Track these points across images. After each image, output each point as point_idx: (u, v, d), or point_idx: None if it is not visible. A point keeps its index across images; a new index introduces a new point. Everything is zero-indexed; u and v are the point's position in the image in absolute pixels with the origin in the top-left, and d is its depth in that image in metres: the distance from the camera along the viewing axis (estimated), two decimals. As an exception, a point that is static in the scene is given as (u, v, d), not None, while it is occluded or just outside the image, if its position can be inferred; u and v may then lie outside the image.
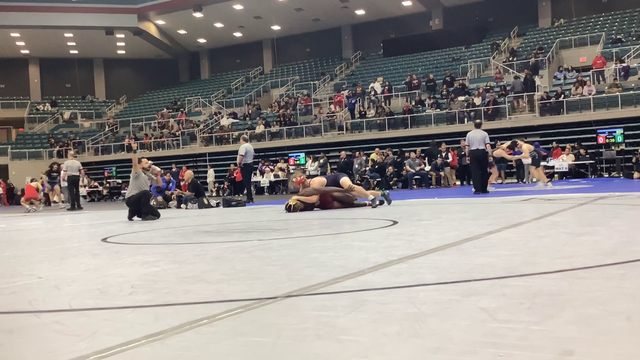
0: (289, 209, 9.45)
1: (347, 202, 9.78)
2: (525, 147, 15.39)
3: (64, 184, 25.58)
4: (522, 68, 26.98)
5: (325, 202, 9.66)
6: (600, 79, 24.83)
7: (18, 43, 40.72)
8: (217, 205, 14.48)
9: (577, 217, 6.22)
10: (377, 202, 9.48)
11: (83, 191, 30.17)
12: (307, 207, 9.59)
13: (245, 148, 15.99)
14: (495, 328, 1.95)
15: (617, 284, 2.62)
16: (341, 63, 37.78)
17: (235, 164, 21.03)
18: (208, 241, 5.60)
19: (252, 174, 19.90)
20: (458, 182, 22.09)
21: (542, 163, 20.99)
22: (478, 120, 15.05)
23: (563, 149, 21.52)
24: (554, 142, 22.00)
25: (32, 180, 20.98)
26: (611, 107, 22.24)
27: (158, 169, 14.42)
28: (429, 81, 28.78)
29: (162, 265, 3.92)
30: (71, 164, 18.15)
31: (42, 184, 22.28)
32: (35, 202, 19.87)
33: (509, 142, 16.19)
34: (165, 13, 38.02)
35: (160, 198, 15.73)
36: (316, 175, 23.36)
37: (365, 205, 9.72)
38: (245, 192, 17.22)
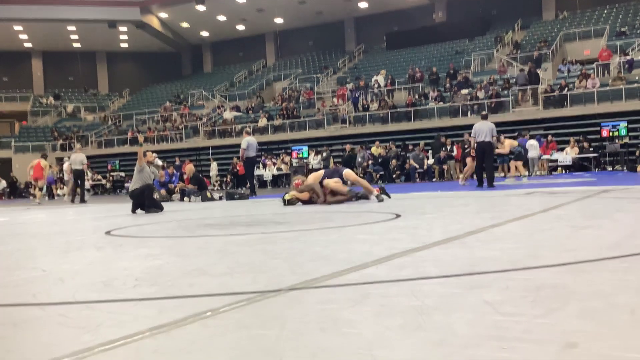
0: (285, 202, 9.71)
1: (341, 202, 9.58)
2: (507, 143, 15.27)
3: (68, 176, 25.76)
4: (525, 61, 26.89)
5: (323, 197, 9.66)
6: (605, 72, 24.75)
7: (21, 36, 40.73)
8: (220, 198, 14.50)
9: (581, 211, 6.21)
10: (382, 197, 9.38)
11: (87, 184, 30.33)
12: (305, 202, 9.67)
13: (248, 141, 15.98)
14: (499, 321, 1.95)
15: (621, 277, 2.61)
16: (344, 56, 37.70)
17: (239, 158, 21.07)
18: (211, 234, 5.60)
19: (255, 168, 19.91)
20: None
21: (545, 156, 21.02)
22: (484, 112, 14.86)
23: (567, 142, 21.49)
24: (549, 136, 21.93)
25: (43, 156, 20.77)
26: (615, 100, 22.17)
27: (160, 162, 14.42)
28: (432, 74, 28.71)
29: (166, 258, 3.93)
30: (74, 158, 18.17)
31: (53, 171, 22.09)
32: (38, 194, 19.88)
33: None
34: (168, 6, 37.96)
35: (163, 191, 15.75)
36: (319, 169, 23.38)
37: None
38: (248, 185, 17.23)
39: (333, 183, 9.51)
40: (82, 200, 17.92)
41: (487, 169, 13.32)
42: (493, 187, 12.65)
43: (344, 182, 9.83)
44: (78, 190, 18.45)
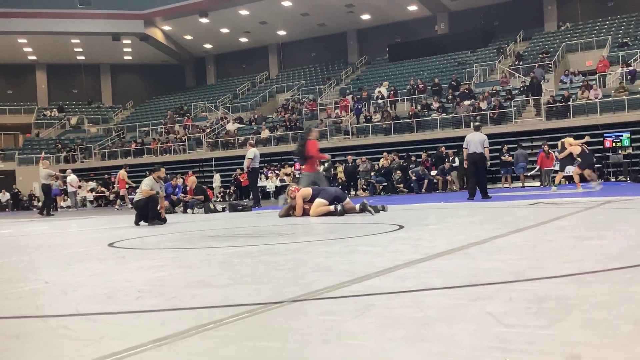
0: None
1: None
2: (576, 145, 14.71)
3: (71, 188, 25.91)
4: (527, 72, 26.94)
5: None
6: (606, 82, 24.78)
7: (25, 49, 40.97)
8: (223, 210, 14.51)
9: (584, 222, 6.20)
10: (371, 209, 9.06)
11: (90, 196, 30.42)
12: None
13: (254, 152, 16.07)
14: (502, 332, 1.95)
15: (625, 288, 2.60)
16: (347, 68, 37.84)
17: (241, 169, 21.10)
18: (214, 246, 5.60)
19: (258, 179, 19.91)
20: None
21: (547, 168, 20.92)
22: (477, 123, 14.69)
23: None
24: (545, 145, 21.51)
25: (124, 167, 21.21)
26: (618, 111, 22.18)
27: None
28: (434, 85, 28.77)
29: (169, 270, 3.93)
30: (40, 172, 18.50)
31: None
32: (117, 202, 20.40)
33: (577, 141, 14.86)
34: (171, 19, 38.19)
35: (166, 203, 15.75)
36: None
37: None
38: (251, 196, 17.20)
39: (317, 207, 9.37)
40: (48, 214, 18.13)
41: (479, 181, 13.12)
42: (488, 198, 12.54)
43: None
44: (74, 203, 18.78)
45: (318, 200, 9.40)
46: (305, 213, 9.67)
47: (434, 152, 23.19)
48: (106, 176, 31.98)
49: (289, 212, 9.82)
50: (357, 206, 9.26)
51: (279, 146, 28.88)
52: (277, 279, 3.29)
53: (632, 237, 4.55)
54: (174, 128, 35.28)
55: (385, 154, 23.95)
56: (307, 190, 9.86)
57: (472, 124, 19.69)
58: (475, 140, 12.96)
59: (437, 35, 35.76)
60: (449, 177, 21.87)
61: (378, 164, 23.50)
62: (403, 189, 21.79)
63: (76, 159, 35.67)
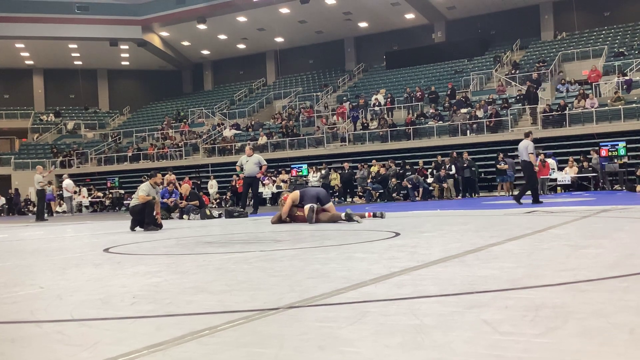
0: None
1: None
2: None
3: (67, 193, 25.89)
4: (524, 81, 27.03)
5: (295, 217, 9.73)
6: (603, 91, 24.86)
7: (22, 54, 40.97)
8: (220, 216, 14.47)
9: (580, 230, 6.21)
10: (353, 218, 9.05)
11: (86, 201, 30.36)
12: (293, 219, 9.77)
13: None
14: (498, 340, 1.95)
15: (620, 296, 2.61)
16: (344, 75, 37.92)
17: (238, 175, 21.09)
18: (210, 252, 5.59)
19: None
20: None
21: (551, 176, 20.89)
22: (527, 130, 14.70)
23: (566, 161, 21.52)
24: (541, 155, 21.36)
25: (170, 172, 21.48)
26: (614, 120, 22.25)
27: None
28: (431, 93, 28.84)
29: (164, 276, 3.92)
30: (35, 178, 18.89)
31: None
32: None
33: None
34: (169, 25, 38.24)
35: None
36: (317, 186, 23.36)
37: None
38: (252, 202, 16.96)
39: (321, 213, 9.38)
40: (42, 219, 18.22)
41: (522, 187, 13.63)
42: (520, 204, 12.33)
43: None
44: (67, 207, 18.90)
45: (307, 207, 9.41)
46: (298, 219, 9.63)
47: (435, 159, 23.02)
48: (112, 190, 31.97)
49: (281, 218, 9.80)
50: (343, 214, 9.17)
51: (276, 152, 28.87)
52: (274, 285, 3.29)
53: (627, 245, 4.55)
54: (169, 133, 35.25)
55: (374, 161, 23.98)
56: (296, 194, 9.86)
57: (475, 132, 19.60)
58: (520, 148, 13.26)
59: (434, 44, 35.89)
60: (444, 185, 21.88)
61: (369, 171, 23.52)
62: (398, 196, 21.79)
63: (72, 164, 35.61)
